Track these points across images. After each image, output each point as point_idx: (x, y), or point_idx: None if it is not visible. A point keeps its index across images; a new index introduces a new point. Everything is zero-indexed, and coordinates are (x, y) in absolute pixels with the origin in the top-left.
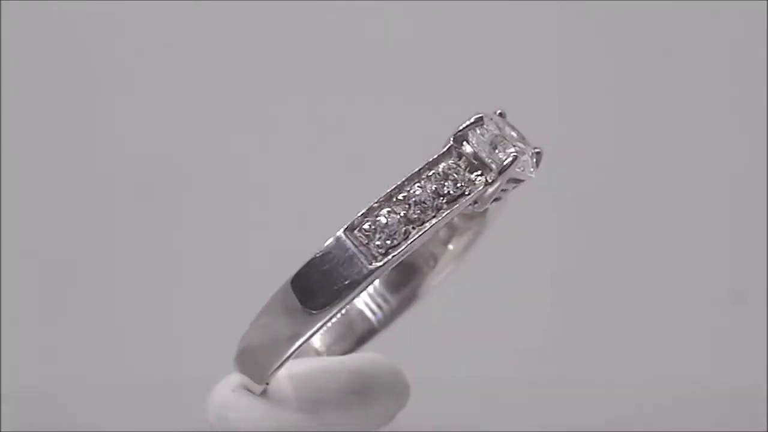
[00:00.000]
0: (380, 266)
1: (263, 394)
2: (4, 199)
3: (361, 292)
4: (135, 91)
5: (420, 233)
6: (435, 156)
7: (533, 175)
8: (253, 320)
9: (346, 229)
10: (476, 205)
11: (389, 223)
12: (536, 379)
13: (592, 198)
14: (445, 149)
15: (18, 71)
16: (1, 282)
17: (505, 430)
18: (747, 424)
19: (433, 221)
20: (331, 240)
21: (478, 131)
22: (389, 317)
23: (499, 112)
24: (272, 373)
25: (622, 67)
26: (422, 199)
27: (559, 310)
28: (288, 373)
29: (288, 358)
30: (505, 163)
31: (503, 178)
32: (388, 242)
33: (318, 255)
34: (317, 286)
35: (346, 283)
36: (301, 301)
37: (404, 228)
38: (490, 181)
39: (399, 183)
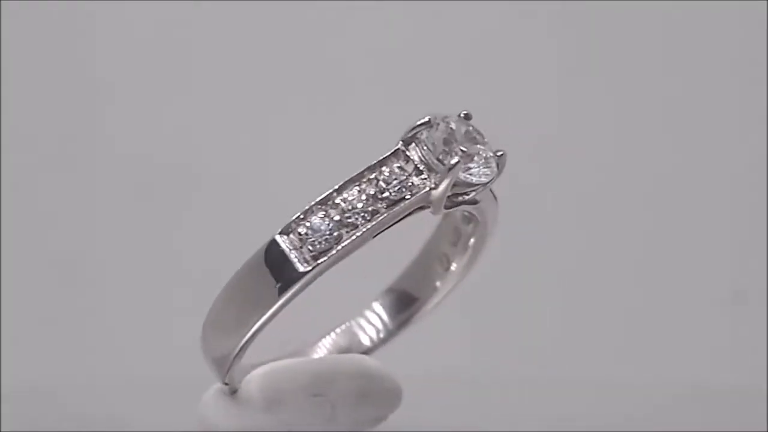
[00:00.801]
0: (309, 270)
1: (234, 394)
2: (4, 199)
3: (296, 295)
4: (135, 91)
5: (352, 238)
6: (379, 159)
7: (487, 179)
8: (205, 320)
9: (281, 232)
10: (430, 210)
11: (321, 227)
12: (535, 378)
13: (593, 197)
14: (390, 152)
15: (17, 71)
16: (1, 281)
17: (504, 430)
18: (747, 424)
19: (369, 225)
20: (266, 243)
21: (426, 134)
22: (384, 340)
23: (464, 113)
24: (229, 373)
25: (622, 67)
26: (357, 203)
27: (559, 309)
28: (259, 372)
29: (237, 356)
30: (447, 166)
31: (447, 182)
32: (319, 247)
33: (254, 258)
34: (255, 288)
35: (278, 286)
36: (240, 304)
37: (337, 232)
38: (434, 185)
39: (338, 186)
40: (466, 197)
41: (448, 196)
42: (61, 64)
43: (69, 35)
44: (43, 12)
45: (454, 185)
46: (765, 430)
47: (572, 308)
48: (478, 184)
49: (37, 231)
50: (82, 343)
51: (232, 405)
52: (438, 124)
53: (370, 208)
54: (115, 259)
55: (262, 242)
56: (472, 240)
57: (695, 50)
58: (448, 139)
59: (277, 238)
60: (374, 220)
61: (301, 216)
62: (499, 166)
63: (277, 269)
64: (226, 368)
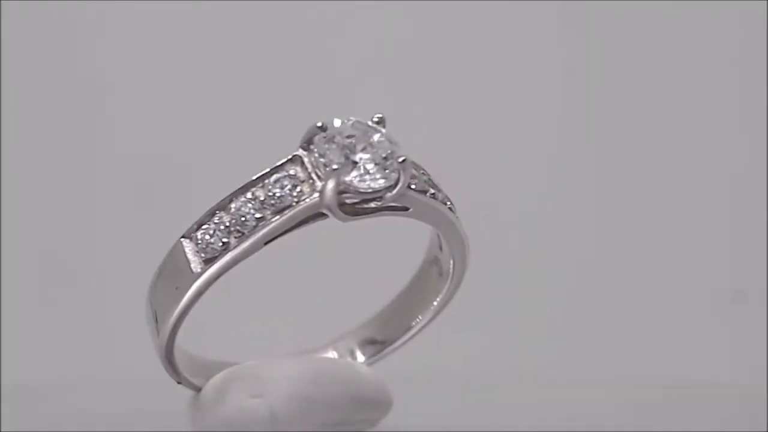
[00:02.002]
0: (201, 274)
1: (198, 393)
2: (4, 199)
3: (193, 298)
4: (135, 90)
5: (241, 246)
6: (276, 164)
7: (381, 185)
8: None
9: (183, 235)
10: (330, 217)
11: (211, 232)
12: (536, 376)
13: (594, 197)
14: (288, 158)
15: (17, 71)
16: (1, 280)
17: (505, 429)
18: (747, 422)
19: (256, 234)
20: (171, 246)
21: (317, 140)
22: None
23: (377, 117)
24: (177, 372)
25: (622, 67)
26: (247, 209)
27: (560, 308)
28: (221, 374)
29: (165, 355)
30: (327, 172)
31: (329, 188)
32: (210, 252)
33: (164, 259)
34: (163, 290)
35: (176, 288)
36: (155, 305)
37: (226, 239)
38: (319, 191)
39: (235, 191)
40: (375, 204)
41: (353, 203)
42: (61, 64)
43: (69, 34)
44: (42, 12)
45: (347, 192)
46: (765, 430)
47: (572, 306)
48: (372, 191)
49: (36, 231)
50: (82, 343)
51: (194, 405)
52: (341, 128)
53: (258, 215)
54: (115, 259)
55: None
56: (451, 263)
57: (694, 50)
58: (338, 145)
59: (183, 241)
60: (261, 228)
61: (200, 220)
62: (402, 173)
63: (177, 272)
64: (165, 367)
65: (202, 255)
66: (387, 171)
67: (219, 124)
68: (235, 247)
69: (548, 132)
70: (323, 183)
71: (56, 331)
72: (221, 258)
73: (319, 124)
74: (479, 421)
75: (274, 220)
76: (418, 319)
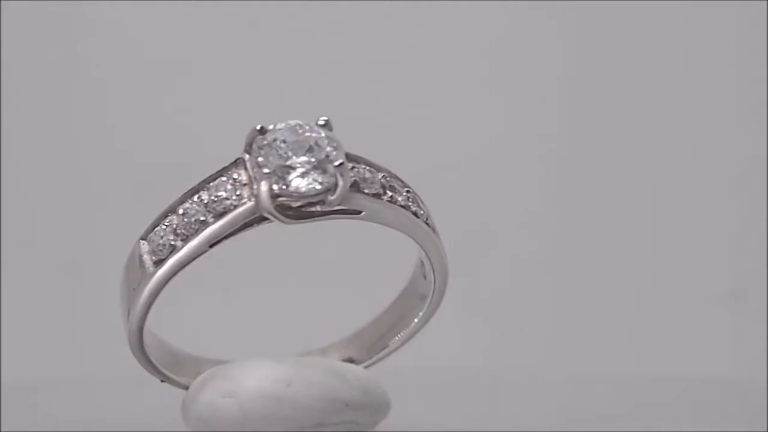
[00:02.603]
0: (151, 276)
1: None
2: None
3: (147, 299)
4: (134, 90)
5: (184, 247)
6: (222, 167)
7: (317, 190)
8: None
9: (141, 237)
10: (274, 223)
11: (161, 234)
12: (536, 374)
13: (595, 196)
14: (233, 161)
15: (16, 71)
16: (1, 280)
17: (504, 429)
18: (747, 420)
19: (198, 235)
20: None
21: (257, 143)
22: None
23: (322, 120)
24: (148, 368)
25: (622, 66)
26: (193, 212)
27: (559, 306)
28: (206, 373)
29: (137, 355)
30: (260, 175)
31: (263, 191)
32: (160, 254)
33: (126, 260)
34: (125, 290)
35: (133, 289)
36: (121, 304)
37: (174, 242)
38: (254, 196)
39: (185, 192)
40: (321, 207)
41: (299, 207)
42: (61, 64)
43: (68, 34)
44: (42, 11)
45: (283, 196)
46: (765, 426)
47: (573, 306)
48: (310, 195)
49: (36, 231)
50: (82, 343)
51: (181, 404)
52: (281, 132)
53: (201, 218)
54: (115, 259)
55: (259, 242)
56: (432, 277)
57: (695, 49)
58: (275, 148)
59: (141, 242)
60: (202, 232)
61: (155, 221)
62: (340, 176)
63: (135, 273)
64: (139, 362)
65: (153, 257)
66: (325, 174)
67: (219, 124)
68: (180, 249)
69: (547, 132)
70: (257, 187)
71: (56, 331)
72: (168, 260)
73: (259, 127)
74: (479, 421)
75: (214, 223)
76: (397, 338)
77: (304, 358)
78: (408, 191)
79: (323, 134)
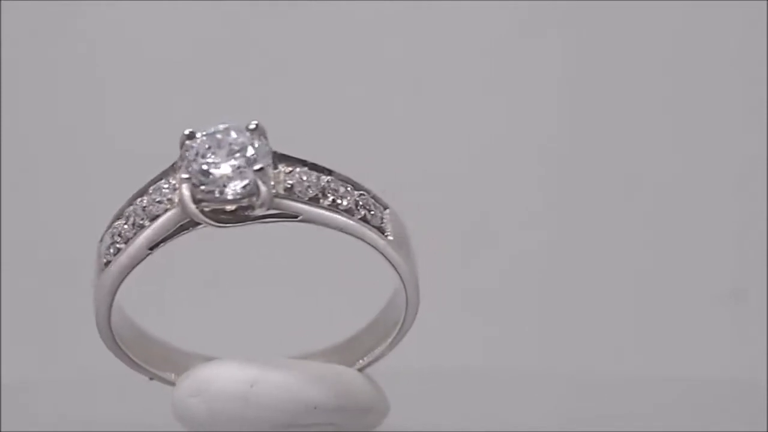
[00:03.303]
0: (99, 279)
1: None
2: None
3: (102, 301)
4: (134, 90)
5: (125, 251)
6: (163, 170)
7: (238, 195)
8: None
9: (101, 239)
10: (201, 227)
11: (106, 238)
12: (536, 373)
13: (595, 195)
14: (171, 164)
15: (16, 70)
16: (1, 280)
17: (503, 428)
18: (747, 419)
19: (137, 240)
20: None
21: (190, 147)
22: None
23: (253, 124)
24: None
25: (622, 66)
26: (134, 216)
27: (559, 305)
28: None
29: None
30: (180, 180)
31: (183, 197)
32: (107, 257)
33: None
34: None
35: (93, 289)
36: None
37: (118, 245)
38: (176, 201)
39: (131, 196)
40: (254, 212)
41: (231, 211)
42: (60, 64)
43: (67, 33)
44: (41, 10)
45: (205, 201)
46: (765, 425)
47: (572, 305)
48: (230, 199)
49: (35, 230)
50: (82, 343)
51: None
52: (205, 137)
53: (140, 222)
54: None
55: (258, 242)
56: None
57: (693, 50)
58: (198, 153)
59: (99, 243)
60: (139, 236)
61: (108, 224)
62: (260, 181)
63: (94, 273)
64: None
65: (102, 260)
66: (245, 179)
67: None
68: (123, 252)
69: (548, 130)
70: (179, 191)
71: (56, 331)
72: (112, 263)
73: (187, 132)
74: (479, 421)
75: (149, 227)
76: (361, 361)
77: (279, 359)
78: (362, 195)
79: (248, 138)
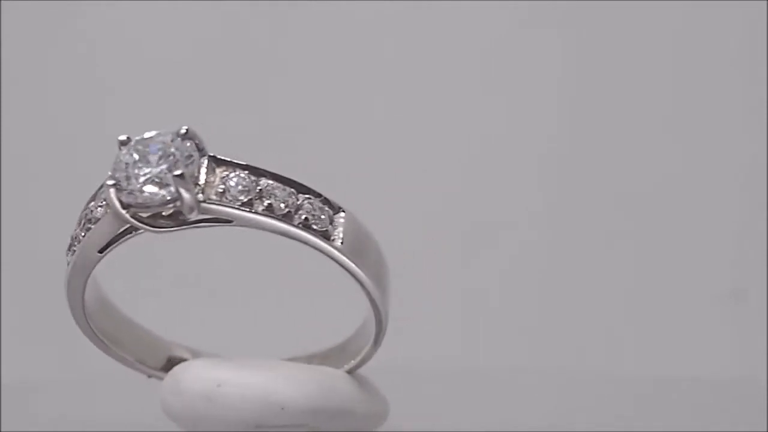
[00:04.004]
0: (65, 279)
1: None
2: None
3: (71, 303)
4: (133, 90)
5: (77, 252)
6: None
7: (158, 200)
8: None
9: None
10: (137, 234)
11: (71, 240)
12: (534, 374)
13: (595, 195)
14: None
15: (16, 71)
16: (1, 280)
17: (503, 428)
18: (746, 420)
19: (83, 242)
20: None
21: (122, 153)
22: None
23: (183, 129)
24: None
25: (622, 66)
26: (84, 219)
27: (559, 305)
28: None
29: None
30: (106, 187)
31: (114, 204)
32: (68, 257)
33: None
34: None
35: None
36: None
37: (74, 247)
38: (105, 212)
39: (88, 199)
40: (181, 217)
41: (169, 215)
42: (61, 64)
43: (67, 32)
44: (41, 10)
45: (133, 206)
46: (765, 425)
47: (572, 303)
48: (149, 204)
49: (35, 230)
50: (82, 342)
51: None
52: (134, 144)
53: (88, 225)
54: (114, 259)
55: (258, 243)
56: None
57: (693, 50)
58: (125, 159)
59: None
60: (85, 239)
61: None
62: (180, 187)
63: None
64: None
65: (67, 259)
66: (166, 185)
67: (221, 127)
68: (75, 254)
69: (549, 131)
70: (107, 197)
71: (56, 331)
72: (70, 265)
73: (122, 137)
74: (478, 420)
75: (85, 237)
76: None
77: (253, 359)
78: (307, 199)
79: (176, 144)
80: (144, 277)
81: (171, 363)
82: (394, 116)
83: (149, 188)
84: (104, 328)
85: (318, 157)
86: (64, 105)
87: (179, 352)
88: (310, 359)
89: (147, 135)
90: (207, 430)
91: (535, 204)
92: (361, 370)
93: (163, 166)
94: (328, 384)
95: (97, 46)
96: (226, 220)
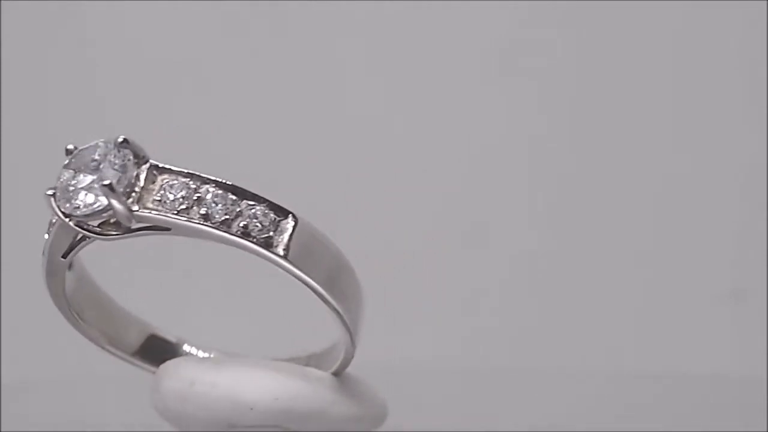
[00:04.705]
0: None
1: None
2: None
3: (55, 303)
4: (134, 90)
5: (43, 257)
6: None
7: (90, 210)
8: None
9: None
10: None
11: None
12: (534, 374)
13: (596, 194)
14: None
15: (16, 70)
16: (1, 280)
17: (503, 428)
18: (746, 419)
19: (45, 247)
20: None
21: (64, 163)
22: None
23: (121, 138)
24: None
25: (622, 66)
26: (49, 225)
27: (559, 303)
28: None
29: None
30: (45, 196)
31: (56, 213)
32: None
33: None
34: None
35: None
36: None
37: (43, 252)
38: (53, 221)
39: None
40: (122, 226)
41: (115, 223)
42: (61, 64)
43: (67, 32)
44: (40, 9)
45: (70, 215)
46: (765, 427)
47: (572, 302)
48: (80, 214)
49: (35, 230)
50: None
51: None
52: (78, 153)
53: (49, 231)
54: (114, 259)
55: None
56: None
57: (693, 50)
58: (69, 168)
59: None
60: (46, 250)
61: None
62: (109, 197)
63: None
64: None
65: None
66: (95, 194)
67: (221, 128)
68: (43, 257)
69: (548, 131)
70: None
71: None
72: (42, 268)
73: (69, 147)
74: (478, 421)
75: (48, 240)
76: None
77: (235, 357)
78: (250, 206)
79: (112, 153)
80: (143, 277)
81: (152, 342)
82: (394, 117)
83: (84, 198)
84: (79, 305)
85: (318, 157)
86: (63, 105)
87: (160, 334)
88: (310, 359)
89: (85, 145)
90: (187, 429)
91: (535, 204)
92: (361, 371)
93: (96, 176)
94: (297, 385)
95: (97, 46)
96: (165, 228)
